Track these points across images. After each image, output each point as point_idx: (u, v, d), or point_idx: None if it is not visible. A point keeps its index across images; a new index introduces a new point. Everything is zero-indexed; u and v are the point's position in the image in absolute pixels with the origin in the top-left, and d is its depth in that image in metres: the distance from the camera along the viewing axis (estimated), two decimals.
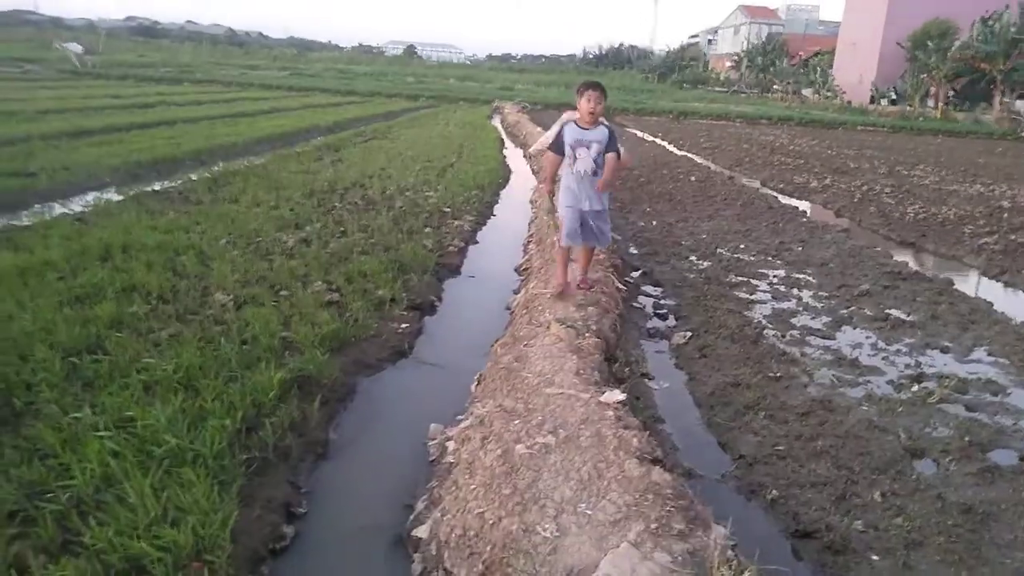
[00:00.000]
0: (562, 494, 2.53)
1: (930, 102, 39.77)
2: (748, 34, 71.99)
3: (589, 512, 2.42)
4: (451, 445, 3.24)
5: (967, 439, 3.58)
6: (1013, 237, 8.82)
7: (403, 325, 4.79)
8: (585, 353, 3.96)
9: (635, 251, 7.50)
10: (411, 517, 2.86)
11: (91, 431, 2.89)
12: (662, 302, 5.84)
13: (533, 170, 12.23)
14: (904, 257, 7.86)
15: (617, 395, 3.37)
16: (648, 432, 3.17)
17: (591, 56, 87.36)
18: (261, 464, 2.98)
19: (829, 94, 46.21)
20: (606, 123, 4.67)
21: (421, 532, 2.71)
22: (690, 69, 67.01)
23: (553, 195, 5.09)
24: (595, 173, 4.59)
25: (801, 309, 5.71)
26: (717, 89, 58.57)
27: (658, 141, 20.59)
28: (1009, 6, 34.23)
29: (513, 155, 15.08)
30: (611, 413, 3.15)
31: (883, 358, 4.75)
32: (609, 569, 2.14)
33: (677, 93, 49.86)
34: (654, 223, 8.80)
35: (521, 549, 2.29)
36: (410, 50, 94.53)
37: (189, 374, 3.45)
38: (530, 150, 13.47)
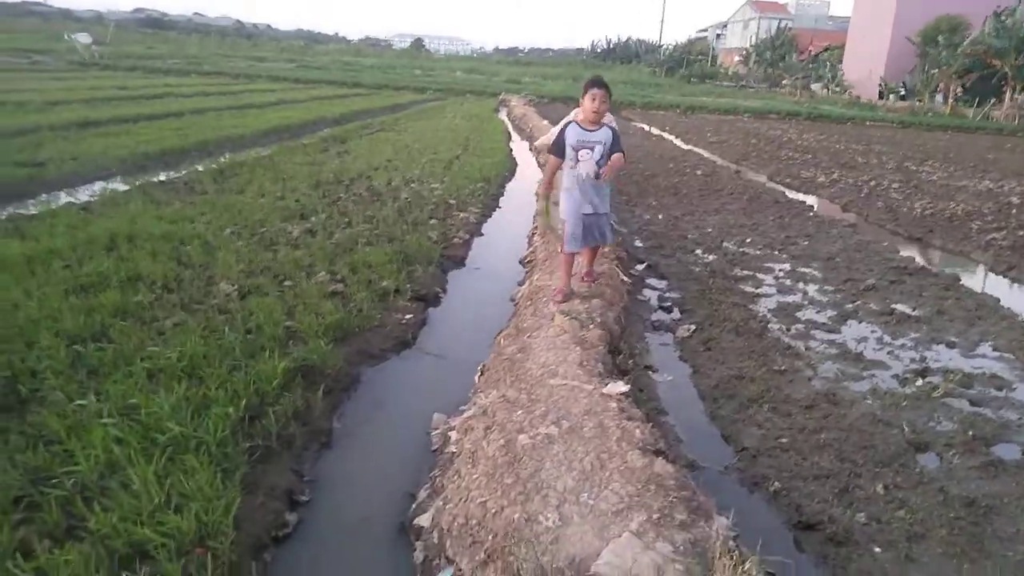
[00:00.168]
0: (564, 484, 2.53)
1: (939, 97, 39.50)
2: (757, 28, 71.60)
3: (591, 502, 2.43)
4: (454, 435, 3.24)
5: (971, 433, 3.57)
6: (1022, 233, 8.75)
7: (407, 316, 4.79)
8: (589, 345, 3.96)
9: (640, 244, 7.48)
10: (413, 506, 2.87)
11: (95, 418, 2.90)
12: (667, 295, 5.83)
13: (539, 163, 12.20)
14: (911, 252, 7.81)
15: (620, 387, 3.37)
16: (651, 424, 3.17)
17: (599, 50, 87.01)
18: (264, 452, 2.99)
19: (838, 89, 45.94)
20: (609, 124, 4.49)
21: (423, 521, 2.72)
22: (698, 64, 66.68)
23: (549, 199, 4.89)
24: (597, 176, 4.39)
25: (806, 303, 5.69)
26: (725, 84, 58.25)
27: (665, 135, 20.52)
28: (1023, 1, 33.92)
29: (519, 148, 15.05)
30: (614, 404, 3.15)
31: (888, 352, 4.73)
32: (611, 558, 2.14)
33: (685, 87, 49.65)
34: (660, 217, 8.78)
35: (523, 538, 2.29)
36: (417, 43, 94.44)
37: (193, 362, 3.47)
38: (536, 143, 13.43)
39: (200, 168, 9.18)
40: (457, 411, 3.52)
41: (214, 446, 2.81)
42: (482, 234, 7.57)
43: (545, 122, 17.43)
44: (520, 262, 6.57)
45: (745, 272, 6.45)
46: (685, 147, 17.58)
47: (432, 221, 7.18)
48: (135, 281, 4.62)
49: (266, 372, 3.44)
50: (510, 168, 11.82)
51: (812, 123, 29.94)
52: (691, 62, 66.46)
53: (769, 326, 5.06)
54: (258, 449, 2.97)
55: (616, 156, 4.37)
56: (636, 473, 2.57)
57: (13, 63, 28.92)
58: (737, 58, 69.99)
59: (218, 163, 9.66)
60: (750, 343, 4.71)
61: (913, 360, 4.61)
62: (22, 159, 8.54)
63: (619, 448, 2.74)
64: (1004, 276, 7.20)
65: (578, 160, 4.38)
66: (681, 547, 2.18)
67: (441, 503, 2.73)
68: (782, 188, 11.91)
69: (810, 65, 53.69)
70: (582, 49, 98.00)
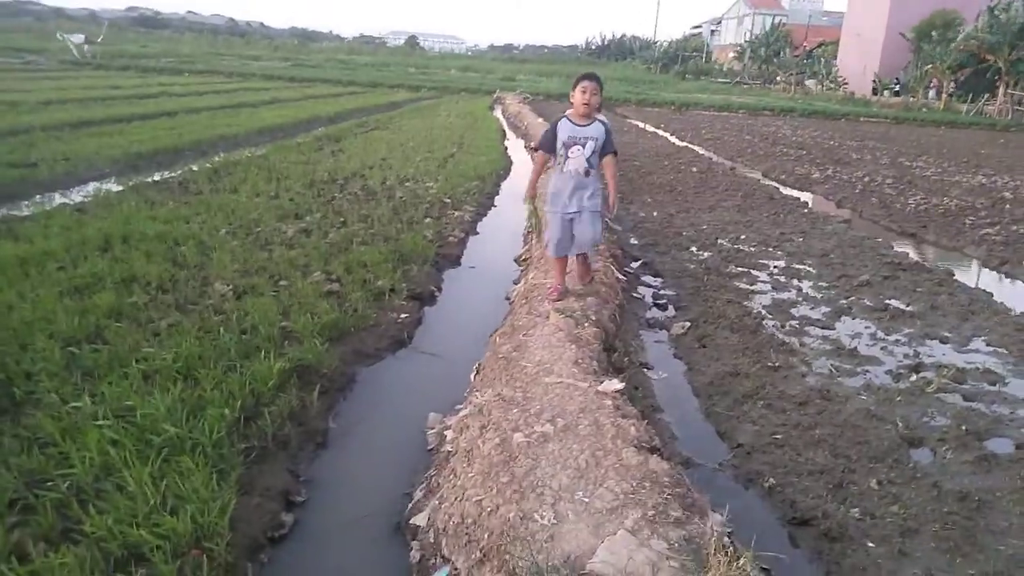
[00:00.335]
0: (560, 482, 2.54)
1: (932, 93, 39.60)
2: (751, 25, 71.66)
3: (586, 500, 2.43)
4: (449, 434, 3.25)
5: (964, 428, 3.59)
6: (1015, 228, 8.80)
7: (403, 315, 4.79)
8: (584, 343, 3.96)
9: (635, 241, 7.49)
10: (409, 505, 2.87)
11: (91, 420, 2.90)
12: (662, 292, 5.84)
13: (535, 161, 12.19)
14: (905, 248, 7.84)
15: (616, 384, 3.37)
16: (646, 421, 3.18)
17: (594, 47, 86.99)
18: (260, 453, 2.99)
19: (832, 85, 46.00)
20: (601, 119, 4.36)
21: (419, 520, 2.72)
22: (693, 60, 66.74)
23: (535, 201, 4.81)
24: (587, 173, 4.26)
25: (801, 299, 5.71)
26: (720, 80, 58.34)
27: (660, 132, 20.53)
28: None
29: (514, 146, 15.06)
30: (609, 402, 3.16)
31: (882, 348, 4.75)
32: (606, 556, 2.15)
33: (680, 84, 49.67)
34: (655, 214, 8.79)
35: (519, 536, 2.30)
36: (412, 41, 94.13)
37: (188, 364, 3.46)
38: (532, 144, 13.44)
39: (194, 168, 9.17)
40: (453, 410, 3.53)
41: (210, 447, 2.81)
42: (477, 232, 7.57)
43: (540, 120, 17.44)
44: (515, 260, 6.57)
45: (740, 269, 6.46)
46: (680, 144, 17.59)
47: (427, 220, 7.18)
48: (130, 282, 4.61)
49: (261, 373, 3.44)
50: (505, 166, 11.81)
51: (806, 119, 29.99)
52: (686, 59, 66.48)
53: (763, 323, 5.07)
54: (254, 450, 2.97)
55: (610, 168, 4.33)
56: (631, 470, 2.58)
57: (5, 63, 28.82)
58: (732, 54, 69.98)
59: (212, 163, 9.64)
60: (744, 340, 4.73)
61: (907, 355, 4.63)
62: (15, 160, 8.51)
63: (614, 446, 2.75)
64: (997, 271, 7.23)
65: (568, 157, 4.25)
66: (676, 544, 2.19)
67: (437, 502, 2.74)
68: (776, 185, 11.93)
69: (804, 61, 53.76)
70: (577, 46, 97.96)
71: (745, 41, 65.84)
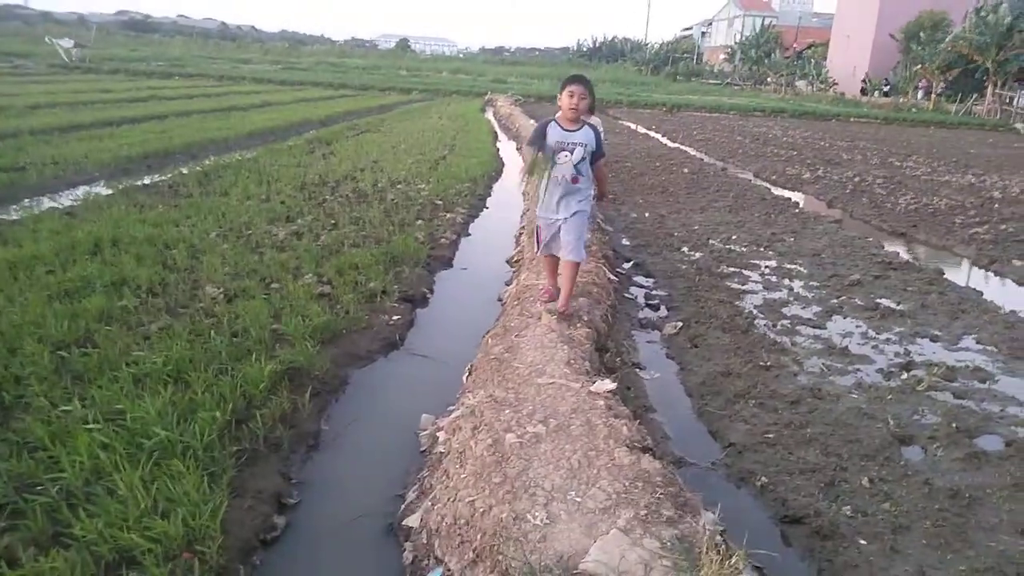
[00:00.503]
0: (552, 482, 2.54)
1: (921, 93, 39.87)
2: (742, 26, 71.96)
3: (579, 500, 2.44)
4: (442, 435, 3.24)
5: (954, 425, 3.61)
6: (1003, 227, 8.86)
7: (395, 317, 4.79)
8: (576, 343, 3.97)
9: (627, 242, 7.51)
10: (402, 507, 2.87)
11: (81, 424, 2.88)
12: (654, 293, 5.86)
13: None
14: (895, 247, 7.89)
15: (608, 384, 3.38)
16: (638, 421, 3.19)
17: (585, 49, 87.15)
18: (252, 455, 2.98)
19: (823, 86, 46.26)
20: (591, 123, 4.26)
21: (412, 521, 2.72)
22: (684, 62, 67.02)
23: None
24: (575, 180, 4.09)
25: (792, 299, 5.73)
26: (711, 82, 58.56)
27: (651, 133, 20.59)
28: None
29: (506, 148, 15.07)
30: (602, 402, 3.16)
31: (873, 347, 4.77)
32: (599, 555, 2.15)
33: (671, 86, 49.85)
34: (646, 215, 8.81)
35: (511, 537, 2.29)
36: (403, 43, 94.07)
37: (179, 367, 3.44)
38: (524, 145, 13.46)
39: (184, 171, 9.12)
40: (445, 411, 3.52)
41: (201, 450, 2.80)
42: (469, 234, 7.57)
43: (531, 121, 17.43)
44: (507, 262, 6.57)
45: (731, 269, 6.49)
46: (671, 145, 17.64)
47: (419, 222, 7.17)
48: (120, 286, 4.59)
49: (253, 375, 3.43)
50: (497, 168, 11.82)
51: (797, 120, 30.15)
52: (677, 60, 66.80)
53: (755, 322, 5.09)
54: (245, 452, 2.96)
55: (600, 174, 4.25)
56: (623, 470, 2.58)
57: None
58: (722, 56, 70.31)
59: (203, 166, 9.60)
60: (736, 340, 4.74)
61: (897, 354, 4.65)
62: (3, 164, 8.43)
63: (606, 446, 2.76)
64: (986, 269, 7.29)
65: (556, 162, 4.06)
66: (668, 543, 2.19)
67: (429, 503, 2.73)
68: (767, 185, 11.98)
69: (795, 62, 54.05)
70: (568, 48, 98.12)
71: (735, 42, 66.20)
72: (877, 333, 5.02)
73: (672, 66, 63.45)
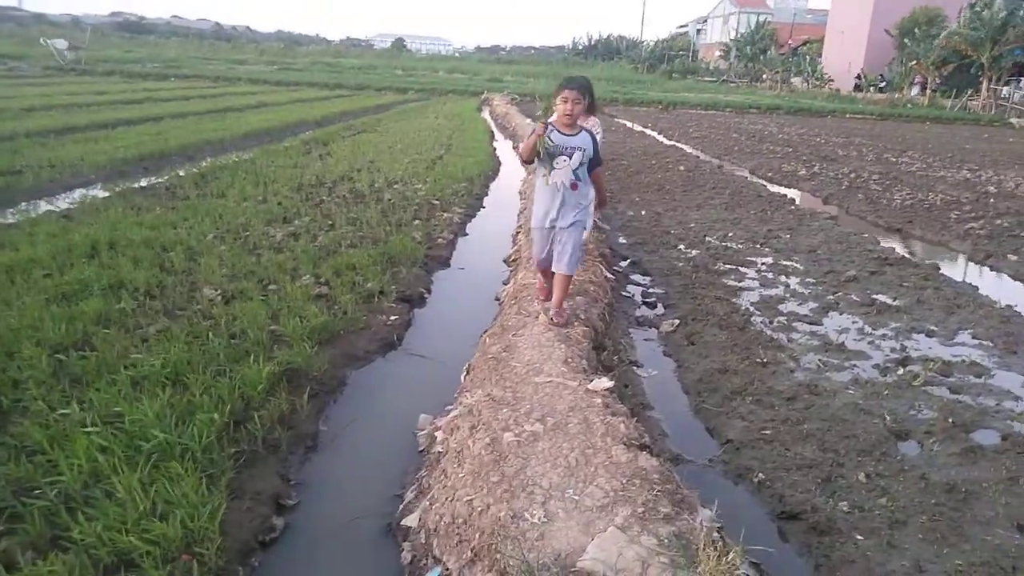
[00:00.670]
0: (550, 480, 2.55)
1: (916, 89, 39.93)
2: (737, 23, 71.99)
3: (576, 498, 2.45)
4: (440, 435, 3.25)
5: (951, 420, 3.62)
6: (999, 222, 8.89)
7: (392, 317, 4.79)
8: (573, 342, 3.98)
9: (624, 240, 7.52)
10: (400, 507, 2.87)
11: (79, 427, 2.89)
12: (650, 290, 5.87)
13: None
14: (891, 243, 7.91)
15: (605, 383, 3.39)
16: (636, 419, 3.20)
17: (581, 47, 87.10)
18: (250, 457, 2.98)
19: (818, 82, 46.32)
20: (588, 128, 4.13)
21: (410, 521, 2.73)
22: (679, 59, 67.06)
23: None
24: (574, 187, 3.98)
25: (788, 296, 5.74)
26: (707, 79, 58.62)
27: (647, 131, 20.59)
28: None
29: (503, 147, 15.06)
30: (599, 400, 3.17)
31: (869, 342, 4.79)
32: (596, 553, 2.16)
33: (667, 83, 49.88)
34: (643, 213, 8.82)
35: (509, 535, 2.30)
36: (399, 43, 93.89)
37: (177, 369, 3.45)
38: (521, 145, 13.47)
39: (181, 173, 9.11)
40: (443, 411, 3.53)
41: (199, 452, 2.80)
42: (466, 234, 7.57)
43: (528, 120, 17.46)
44: (504, 261, 6.58)
45: (728, 266, 6.50)
46: (667, 143, 17.66)
47: (416, 222, 7.17)
48: (117, 288, 4.59)
49: (251, 377, 3.43)
50: (493, 167, 11.82)
51: (792, 116, 30.21)
52: (672, 58, 66.85)
53: (752, 319, 5.10)
54: (244, 454, 2.97)
55: (598, 181, 4.16)
56: (621, 468, 2.59)
57: None
58: (718, 53, 70.34)
59: (199, 167, 9.60)
60: (733, 337, 4.75)
61: (894, 349, 4.67)
62: None
63: (604, 443, 2.77)
64: (982, 264, 7.31)
65: (553, 168, 3.95)
66: (666, 540, 2.21)
67: (428, 503, 2.74)
68: (763, 182, 12.00)
69: (790, 59, 54.08)
70: (564, 47, 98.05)
71: (731, 40, 66.23)
72: (873, 329, 5.04)
73: (668, 64, 63.47)
